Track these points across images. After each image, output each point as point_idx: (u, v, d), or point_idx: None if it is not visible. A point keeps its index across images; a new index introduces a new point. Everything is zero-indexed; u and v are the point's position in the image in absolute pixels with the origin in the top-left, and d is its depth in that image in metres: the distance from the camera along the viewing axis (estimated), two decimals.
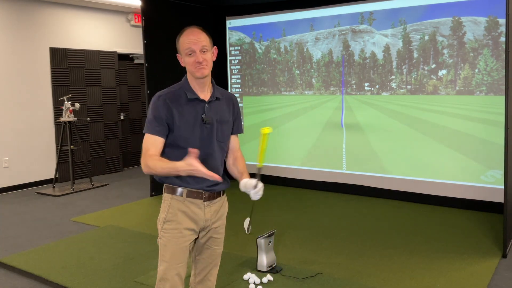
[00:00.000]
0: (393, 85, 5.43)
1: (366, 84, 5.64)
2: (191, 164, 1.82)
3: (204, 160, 2.02)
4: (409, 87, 5.33)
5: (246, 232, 2.26)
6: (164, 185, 2.11)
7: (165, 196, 2.11)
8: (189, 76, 2.11)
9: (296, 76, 6.20)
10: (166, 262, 2.06)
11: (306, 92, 6.13)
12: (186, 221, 2.07)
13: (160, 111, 2.01)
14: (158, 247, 2.14)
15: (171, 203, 2.07)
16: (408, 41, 5.27)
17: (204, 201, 2.09)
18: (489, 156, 4.85)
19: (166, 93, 2.07)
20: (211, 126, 2.09)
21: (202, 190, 2.08)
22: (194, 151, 1.83)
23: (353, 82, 5.75)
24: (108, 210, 5.48)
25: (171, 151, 2.05)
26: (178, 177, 2.03)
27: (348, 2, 5.63)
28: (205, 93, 2.13)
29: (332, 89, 5.92)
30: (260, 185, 2.07)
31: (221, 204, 2.20)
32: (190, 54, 2.03)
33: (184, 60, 2.07)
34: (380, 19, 5.45)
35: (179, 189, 2.07)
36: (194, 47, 2.01)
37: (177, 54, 2.10)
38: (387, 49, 5.44)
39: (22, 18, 6.75)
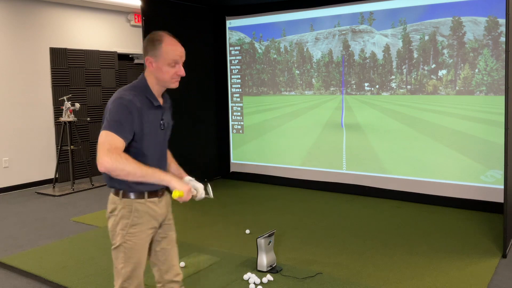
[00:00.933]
0: (393, 85, 5.44)
1: (366, 84, 5.65)
2: (191, 191, 2.00)
3: (159, 160, 2.15)
4: (409, 87, 5.33)
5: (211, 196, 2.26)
6: (121, 191, 2.08)
7: (125, 201, 2.08)
8: (151, 81, 2.08)
9: (296, 76, 6.20)
10: (134, 263, 2.10)
11: (306, 92, 6.13)
12: (151, 221, 2.13)
13: (133, 117, 1.98)
14: None
15: (135, 207, 2.08)
16: (408, 41, 5.27)
17: (159, 198, 2.15)
18: (489, 156, 4.86)
19: (134, 98, 2.00)
20: (165, 131, 2.19)
21: (158, 189, 2.14)
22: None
23: (353, 82, 5.75)
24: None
25: (135, 157, 1.98)
26: (136, 182, 2.01)
27: (348, 2, 5.63)
28: (160, 99, 2.15)
29: (332, 89, 5.92)
30: (199, 196, 2.15)
31: (166, 194, 2.25)
32: (174, 66, 2.05)
33: (163, 68, 2.04)
34: (380, 19, 5.45)
35: (140, 192, 2.09)
36: (180, 60, 2.06)
37: (147, 57, 2.06)
38: (387, 49, 5.44)
39: (22, 18, 6.75)
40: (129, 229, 2.08)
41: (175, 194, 1.95)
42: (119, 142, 1.93)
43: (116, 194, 2.09)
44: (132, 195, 2.07)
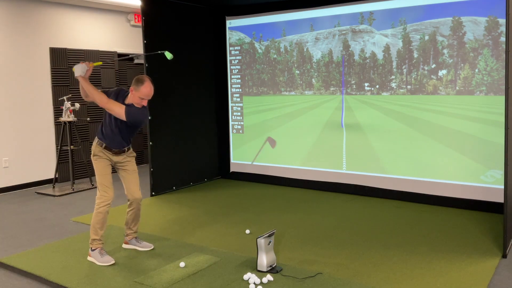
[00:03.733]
0: (393, 85, 5.44)
1: (366, 84, 5.64)
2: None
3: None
4: (409, 87, 5.33)
5: None
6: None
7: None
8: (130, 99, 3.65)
9: (296, 76, 6.20)
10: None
11: (306, 92, 6.13)
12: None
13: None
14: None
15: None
16: (408, 41, 5.27)
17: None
18: (489, 156, 4.86)
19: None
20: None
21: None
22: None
23: (353, 82, 5.75)
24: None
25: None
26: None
27: (348, 2, 5.63)
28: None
29: (332, 89, 5.92)
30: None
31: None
32: (142, 99, 3.60)
33: (134, 97, 3.58)
34: (380, 19, 5.45)
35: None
36: (147, 98, 3.62)
37: (131, 88, 3.58)
38: (387, 49, 5.44)
39: (22, 18, 6.75)
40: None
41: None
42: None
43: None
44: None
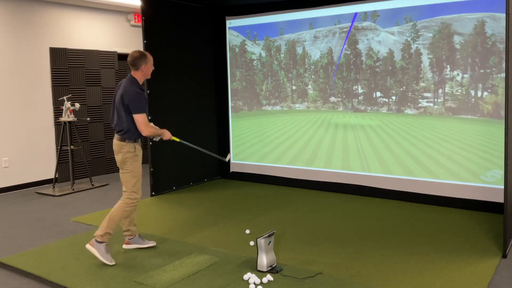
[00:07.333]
0: (394, 97, 5.42)
1: (378, 94, 5.62)
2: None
3: None
4: (436, 106, 5.31)
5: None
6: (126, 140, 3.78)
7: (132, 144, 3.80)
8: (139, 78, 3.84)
9: (295, 77, 6.19)
10: (138, 177, 3.79)
11: (308, 92, 6.12)
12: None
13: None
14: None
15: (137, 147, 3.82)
16: (418, 39, 5.25)
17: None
18: (489, 156, 4.85)
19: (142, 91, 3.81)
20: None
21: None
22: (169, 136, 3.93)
23: (360, 91, 5.73)
24: (108, 210, 5.48)
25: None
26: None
27: (349, 2, 5.61)
28: None
29: (335, 96, 5.91)
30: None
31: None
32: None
33: (149, 68, 3.80)
34: (383, 17, 5.43)
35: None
36: None
37: (143, 67, 3.76)
38: (392, 50, 5.42)
39: (22, 18, 6.75)
40: (134, 157, 3.77)
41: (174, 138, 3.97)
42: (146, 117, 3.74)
43: (123, 140, 3.74)
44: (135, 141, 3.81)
